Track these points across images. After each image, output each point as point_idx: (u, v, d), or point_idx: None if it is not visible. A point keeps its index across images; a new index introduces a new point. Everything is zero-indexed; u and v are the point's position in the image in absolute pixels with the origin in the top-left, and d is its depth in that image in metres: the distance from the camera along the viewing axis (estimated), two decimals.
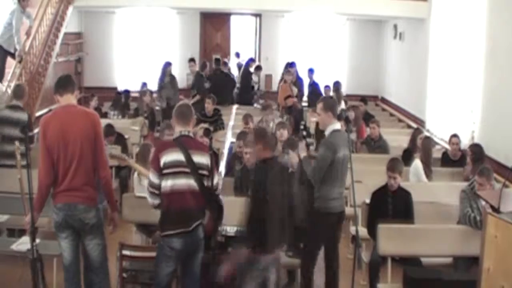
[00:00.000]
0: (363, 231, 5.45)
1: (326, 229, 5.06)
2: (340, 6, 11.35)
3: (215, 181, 4.22)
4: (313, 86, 12.25)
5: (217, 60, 12.42)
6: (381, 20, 13.87)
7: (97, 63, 13.74)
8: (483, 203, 5.06)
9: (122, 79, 14.01)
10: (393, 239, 5.07)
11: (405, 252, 5.14)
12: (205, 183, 4.12)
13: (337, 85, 11.79)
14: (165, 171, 4.03)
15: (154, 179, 4.06)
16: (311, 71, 12.57)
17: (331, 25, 14.20)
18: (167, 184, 4.04)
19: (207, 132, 6.93)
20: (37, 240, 4.10)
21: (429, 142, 7.30)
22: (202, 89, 11.14)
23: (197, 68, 12.08)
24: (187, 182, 4.06)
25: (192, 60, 12.21)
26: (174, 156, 4.04)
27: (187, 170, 4.04)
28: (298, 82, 11.94)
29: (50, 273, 4.85)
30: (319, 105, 5.07)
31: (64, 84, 4.35)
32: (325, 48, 14.32)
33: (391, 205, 5.50)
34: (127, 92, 11.62)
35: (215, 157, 7.07)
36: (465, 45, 8.94)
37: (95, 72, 13.79)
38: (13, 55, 8.99)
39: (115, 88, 13.49)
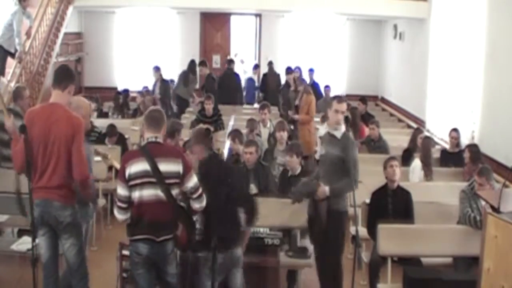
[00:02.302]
0: (363, 231, 5.44)
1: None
2: (340, 6, 11.36)
3: (190, 184, 3.97)
4: (313, 86, 12.24)
5: (230, 61, 12.41)
6: (381, 20, 13.87)
7: (97, 63, 13.75)
8: (483, 203, 5.06)
9: (122, 79, 14.01)
10: (393, 239, 5.07)
11: (405, 252, 5.13)
12: (175, 191, 3.96)
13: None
14: (131, 182, 3.89)
15: (121, 191, 3.92)
16: (311, 71, 12.57)
17: (331, 25, 14.20)
18: (135, 195, 3.91)
19: (207, 132, 6.89)
20: (37, 240, 4.09)
21: (429, 142, 7.30)
22: (213, 91, 11.12)
23: (207, 70, 11.96)
24: (154, 193, 3.90)
25: (202, 63, 12.11)
26: (139, 166, 3.88)
27: (153, 180, 3.88)
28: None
29: None
30: None
31: (56, 78, 4.30)
32: (325, 48, 14.32)
33: (391, 205, 5.50)
34: (126, 91, 11.62)
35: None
36: (465, 45, 8.94)
37: (95, 72, 13.80)
38: (13, 55, 8.99)
39: (115, 88, 13.49)
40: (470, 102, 8.61)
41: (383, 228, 5.10)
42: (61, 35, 10.70)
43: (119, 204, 3.94)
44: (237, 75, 12.17)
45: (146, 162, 3.87)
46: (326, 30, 14.27)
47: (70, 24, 11.40)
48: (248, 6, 12.28)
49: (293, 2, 11.43)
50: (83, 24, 13.73)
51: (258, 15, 14.44)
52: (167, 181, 3.90)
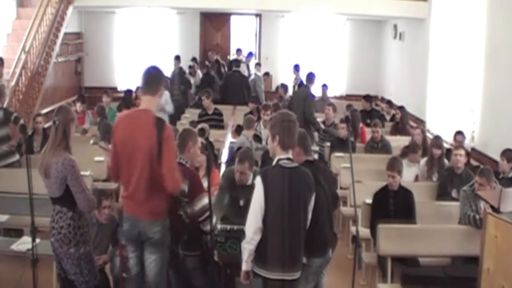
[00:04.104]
0: (363, 231, 5.43)
1: None
2: (340, 6, 11.36)
3: (195, 208, 4.06)
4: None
5: (235, 60, 12.41)
6: (381, 20, 13.87)
7: (97, 63, 13.75)
8: (482, 204, 5.07)
9: (122, 79, 14.01)
10: (393, 239, 5.07)
11: (405, 252, 5.13)
12: (184, 209, 4.06)
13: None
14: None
15: None
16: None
17: (331, 25, 14.20)
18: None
19: (202, 133, 6.92)
20: (37, 240, 4.09)
21: (435, 142, 7.18)
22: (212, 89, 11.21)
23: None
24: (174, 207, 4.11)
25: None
26: None
27: None
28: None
29: (50, 273, 4.84)
30: None
31: (145, 82, 3.93)
32: (325, 48, 14.32)
33: (393, 205, 5.49)
34: (129, 92, 11.59)
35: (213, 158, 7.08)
36: (465, 45, 8.94)
37: (95, 72, 13.79)
38: None
39: (115, 88, 13.50)
40: (470, 102, 8.60)
41: (383, 228, 5.10)
42: (61, 35, 10.70)
43: None
44: (243, 76, 12.14)
45: None
46: (326, 30, 14.27)
47: (70, 24, 11.39)
48: (248, 6, 12.27)
49: (293, 2, 11.42)
50: (83, 24, 13.72)
51: (258, 15, 14.44)
52: (179, 197, 4.03)
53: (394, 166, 5.54)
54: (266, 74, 13.17)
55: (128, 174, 3.90)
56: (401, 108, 9.81)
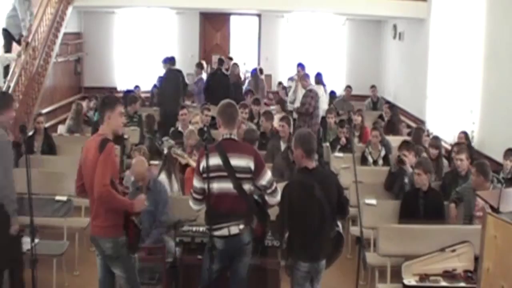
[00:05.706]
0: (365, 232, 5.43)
1: None
2: (340, 6, 11.36)
3: (263, 182, 4.10)
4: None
5: (220, 60, 12.38)
6: (381, 20, 13.87)
7: (97, 63, 13.75)
8: (481, 203, 5.07)
9: (122, 79, 14.01)
10: (393, 239, 5.07)
11: (405, 252, 5.13)
12: (247, 186, 4.09)
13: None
14: (205, 175, 4.05)
15: (196, 183, 4.14)
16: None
17: (331, 25, 14.19)
18: (209, 187, 4.06)
19: (201, 132, 6.94)
20: (37, 240, 4.09)
21: (435, 142, 7.18)
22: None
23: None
24: (227, 186, 4.06)
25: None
26: (213, 160, 4.05)
27: (225, 174, 4.05)
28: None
29: (50, 273, 4.85)
30: None
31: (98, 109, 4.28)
32: (325, 48, 14.32)
33: (422, 205, 5.56)
34: (129, 92, 11.56)
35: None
36: (465, 45, 8.94)
37: (94, 72, 13.79)
38: (18, 42, 9.03)
39: (115, 88, 13.50)
40: (470, 102, 8.61)
41: (383, 228, 5.10)
42: (60, 35, 10.69)
43: (195, 195, 4.16)
44: (226, 76, 12.05)
45: (219, 157, 4.05)
46: (326, 30, 14.26)
47: (69, 24, 11.39)
48: (248, 6, 12.27)
49: (293, 2, 11.42)
50: (83, 24, 13.72)
51: (258, 15, 14.44)
52: (238, 175, 4.06)
53: (419, 162, 5.72)
54: (261, 70, 13.02)
55: (90, 197, 4.08)
56: (391, 107, 9.71)
